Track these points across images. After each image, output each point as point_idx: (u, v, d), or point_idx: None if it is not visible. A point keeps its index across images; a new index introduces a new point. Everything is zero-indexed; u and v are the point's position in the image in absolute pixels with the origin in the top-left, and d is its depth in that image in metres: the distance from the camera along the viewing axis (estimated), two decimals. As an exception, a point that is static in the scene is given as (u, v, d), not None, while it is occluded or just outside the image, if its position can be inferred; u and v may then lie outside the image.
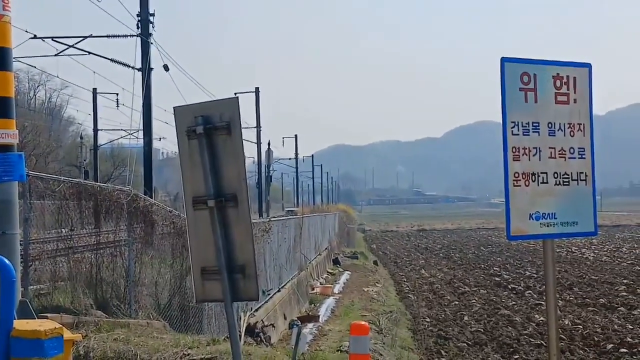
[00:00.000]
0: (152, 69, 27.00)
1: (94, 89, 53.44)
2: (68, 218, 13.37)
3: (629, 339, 18.85)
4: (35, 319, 7.00)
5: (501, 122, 6.41)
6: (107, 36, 29.34)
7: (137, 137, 39.80)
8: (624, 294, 27.75)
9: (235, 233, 6.15)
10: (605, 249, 52.93)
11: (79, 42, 29.88)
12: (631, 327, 20.60)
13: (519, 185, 6.40)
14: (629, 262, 41.88)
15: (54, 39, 29.65)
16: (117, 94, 52.41)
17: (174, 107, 6.47)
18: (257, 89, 56.42)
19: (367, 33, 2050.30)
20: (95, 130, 55.68)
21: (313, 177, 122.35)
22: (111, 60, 28.98)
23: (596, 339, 19.20)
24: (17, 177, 7.63)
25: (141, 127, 27.77)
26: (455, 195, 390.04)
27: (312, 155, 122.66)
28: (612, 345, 18.35)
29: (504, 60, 6.36)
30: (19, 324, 5.40)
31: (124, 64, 28.14)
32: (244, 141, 6.37)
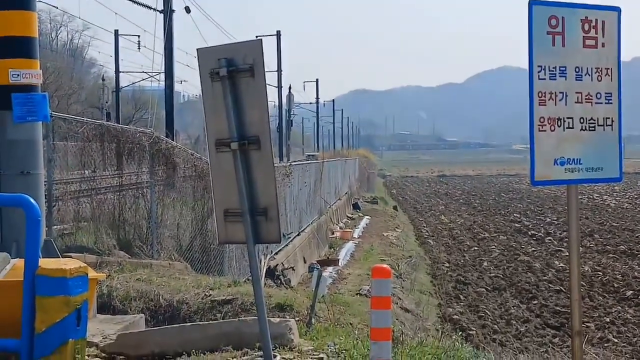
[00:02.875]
0: (173, 10, 26.86)
1: (116, 31, 53.17)
2: (91, 159, 13.43)
3: (649, 286, 18.88)
4: (59, 258, 7.09)
5: (527, 66, 6.33)
6: (129, -23, 29.11)
7: (158, 80, 39.75)
8: (645, 241, 27.70)
9: (258, 176, 6.14)
10: (627, 196, 52.68)
11: (100, -17, 29.70)
12: (651, 275, 20.60)
13: (545, 130, 6.34)
14: (650, 209, 41.71)
15: (75, -21, 29.48)
16: (139, 36, 52.22)
17: (197, 49, 6.42)
18: (278, 32, 56.00)
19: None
20: (117, 72, 55.56)
21: (334, 122, 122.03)
22: (133, 1, 28.80)
23: (616, 285, 19.24)
24: (42, 117, 7.64)
25: (162, 70, 27.71)
26: (477, 142, 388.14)
27: (333, 100, 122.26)
28: (631, 292, 18.39)
29: (532, 3, 6.24)
30: (44, 263, 5.46)
31: (146, 6, 28.01)
32: (266, 85, 6.33)
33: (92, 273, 6.30)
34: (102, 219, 13.41)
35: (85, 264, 5.81)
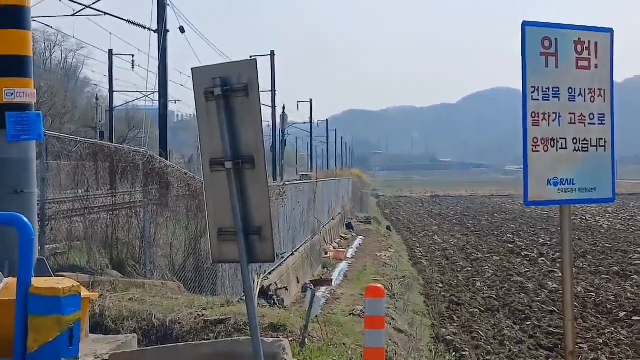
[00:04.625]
0: (168, 30, 26.91)
1: (110, 50, 53.26)
2: (84, 178, 13.42)
3: (642, 307, 18.88)
4: (52, 277, 7.06)
5: (520, 87, 6.37)
6: (123, -3, 29.19)
7: (152, 99, 39.89)
8: (638, 262, 27.72)
9: (252, 195, 6.15)
10: (620, 218, 52.80)
11: (95, 2, 29.72)
12: (644, 296, 20.61)
13: (538, 151, 6.37)
14: (643, 230, 41.79)
15: (71, -1, 29.50)
16: (133, 56, 52.28)
17: (191, 69, 6.45)
18: (272, 52, 56.12)
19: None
20: (111, 91, 55.63)
21: (327, 142, 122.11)
22: (127, 21, 28.87)
23: (609, 306, 19.22)
24: (35, 136, 7.65)
25: (156, 89, 27.74)
26: (470, 162, 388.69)
27: (327, 119, 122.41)
28: (624, 312, 18.38)
29: (525, 24, 6.30)
30: (37, 282, 5.44)
31: (140, 26, 28.05)
32: (261, 104, 6.36)
33: (84, 292, 6.28)
34: (95, 238, 13.37)
35: (78, 283, 5.79)
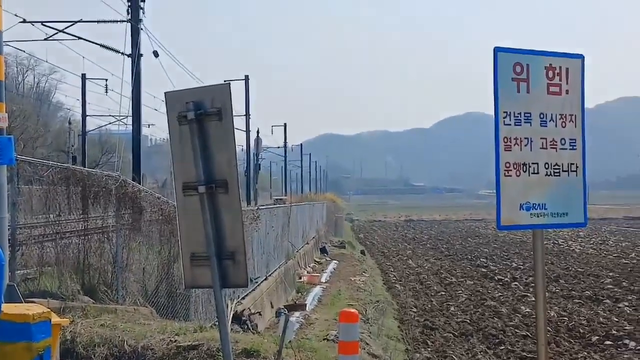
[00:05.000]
0: (141, 55, 26.86)
1: (83, 75, 53.09)
2: (56, 203, 13.30)
3: (614, 332, 18.96)
4: (22, 303, 6.98)
5: (492, 112, 6.41)
6: (97, 21, 29.14)
7: (125, 124, 39.68)
8: (610, 286, 27.89)
9: (225, 219, 6.14)
10: (592, 242, 53.16)
11: (68, 26, 29.67)
12: (616, 320, 20.69)
13: (510, 175, 6.41)
14: (614, 255, 42.09)
15: (44, 23, 29.45)
16: (106, 80, 52.19)
17: (165, 93, 6.44)
18: (246, 76, 56.24)
19: (355, 24, 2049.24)
20: (84, 115, 55.36)
21: (301, 166, 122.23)
22: (100, 45, 28.79)
23: (582, 330, 19.29)
24: (7, 160, 7.60)
25: (130, 114, 27.62)
26: (444, 186, 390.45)
27: (301, 144, 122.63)
28: (597, 337, 18.45)
29: (497, 50, 6.35)
30: (7, 308, 5.38)
31: (114, 50, 27.98)
32: (234, 128, 6.35)
33: (55, 318, 6.20)
34: (67, 263, 13.23)
35: (49, 310, 5.73)
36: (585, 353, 16.96)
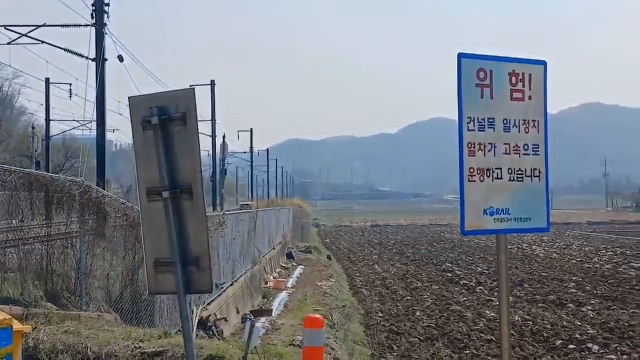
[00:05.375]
0: (106, 59, 26.72)
1: (47, 79, 52.62)
2: (18, 209, 13.15)
3: (577, 335, 19.14)
4: (-17, 310, 6.88)
5: (457, 118, 6.44)
6: (61, 25, 28.92)
7: (90, 128, 39.42)
8: (573, 290, 28.17)
9: (189, 225, 6.11)
10: (555, 246, 53.67)
11: (32, 30, 29.44)
12: (579, 324, 20.90)
13: (474, 181, 6.44)
14: (578, 259, 42.51)
15: (7, 27, 29.20)
16: (70, 85, 51.92)
17: (128, 97, 6.40)
18: (212, 81, 56.14)
19: (321, 30, 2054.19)
20: (48, 120, 54.91)
21: (268, 171, 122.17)
22: (65, 50, 28.60)
23: (545, 334, 19.45)
24: (-33, 165, 7.49)
25: (94, 118, 27.45)
26: (409, 192, 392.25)
27: (267, 149, 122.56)
28: (560, 341, 18.61)
29: (460, 55, 6.39)
30: (-33, 315, 5.31)
31: (78, 54, 27.82)
32: (199, 135, 6.33)
33: (17, 325, 6.13)
34: (29, 269, 13.09)
35: (11, 316, 5.66)
36: (549, 357, 17.11)
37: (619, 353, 17.18)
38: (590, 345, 18.07)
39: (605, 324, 20.83)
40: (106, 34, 26.71)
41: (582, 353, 17.41)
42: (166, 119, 6.05)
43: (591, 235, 70.53)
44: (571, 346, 18.04)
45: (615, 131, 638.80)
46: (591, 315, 22.32)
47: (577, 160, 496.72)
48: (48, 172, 30.30)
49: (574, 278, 32.31)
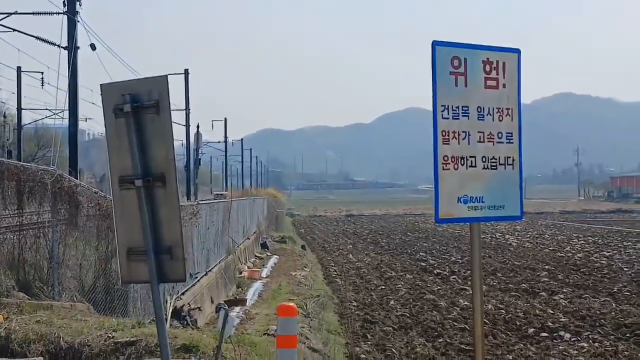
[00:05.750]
0: (78, 47, 26.43)
1: (18, 67, 52.03)
2: (-11, 198, 13.04)
3: (550, 324, 19.29)
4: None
5: (431, 106, 6.44)
6: (33, 13, 28.60)
7: (62, 117, 38.98)
8: (546, 279, 28.40)
9: (162, 213, 6.06)
10: (528, 236, 54.07)
11: (3, 18, 29.06)
12: (552, 312, 21.07)
13: (448, 169, 6.45)
14: (550, 248, 42.88)
15: (-24, 14, 28.78)
16: (42, 73, 51.27)
17: (100, 85, 6.33)
18: (186, 70, 55.77)
19: (298, 20, 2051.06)
20: (19, 109, 54.34)
21: (242, 161, 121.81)
22: (36, 38, 28.25)
23: (518, 323, 19.58)
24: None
25: (66, 107, 27.18)
26: (384, 181, 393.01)
27: (242, 138, 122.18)
28: (533, 329, 18.75)
29: (435, 44, 6.38)
30: (-64, 305, 5.24)
31: (50, 42, 27.48)
32: (172, 123, 6.27)
33: (-13, 315, 6.07)
34: (1, 259, 13.00)
35: (-20, 306, 5.60)
36: (522, 345, 17.23)
37: (590, 341, 17.35)
38: (562, 333, 18.24)
39: (577, 312, 21.03)
40: (78, 22, 26.43)
41: (555, 341, 17.56)
42: (139, 107, 5.99)
43: (563, 225, 71.18)
44: (543, 334, 18.19)
45: (588, 121, 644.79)
46: (563, 304, 22.52)
47: (549, 150, 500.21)
48: (20, 161, 30.04)
49: (546, 267, 32.58)
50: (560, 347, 16.84)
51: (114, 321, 11.57)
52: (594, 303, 22.49)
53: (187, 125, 57.47)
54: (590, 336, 17.81)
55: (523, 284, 27.05)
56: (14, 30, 29.23)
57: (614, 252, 39.80)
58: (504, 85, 6.72)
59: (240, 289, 27.28)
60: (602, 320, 19.69)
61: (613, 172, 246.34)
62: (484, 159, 6.62)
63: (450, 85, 6.44)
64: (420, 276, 30.92)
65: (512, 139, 6.81)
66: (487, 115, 6.64)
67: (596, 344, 16.95)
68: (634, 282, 27.23)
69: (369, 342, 18.02)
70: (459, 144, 6.49)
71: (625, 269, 31.22)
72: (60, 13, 26.28)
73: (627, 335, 18.02)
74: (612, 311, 20.96)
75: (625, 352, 16.07)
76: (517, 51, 6.86)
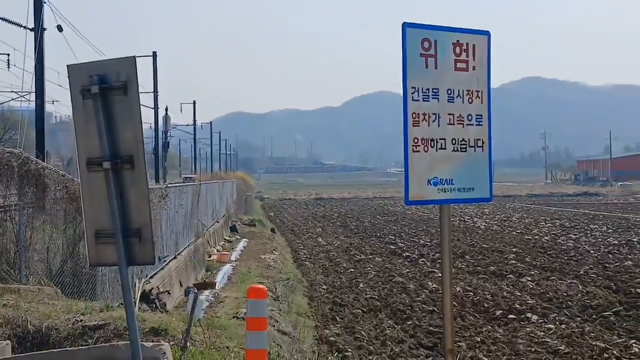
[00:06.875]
0: (45, 29, 26.12)
1: (-17, 49, 51.40)
2: (-46, 181, 12.87)
3: (517, 306, 19.46)
4: None
5: (401, 88, 6.44)
6: (-2, -7, 28.22)
7: (28, 100, 38.56)
8: (513, 262, 28.63)
9: (131, 196, 6.01)
10: (496, 219, 54.47)
11: (-33, -2, 28.62)
12: (519, 294, 21.25)
13: (418, 151, 6.46)
14: (518, 231, 43.23)
15: (-60, -6, 28.32)
16: (8, 55, 50.53)
17: (67, 66, 6.25)
18: (154, 53, 55.34)
19: (264, 2, 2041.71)
20: (-15, 91, 53.69)
21: (211, 144, 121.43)
22: (2, 19, 27.86)
23: (486, 305, 19.73)
24: None
25: (33, 90, 26.87)
26: (353, 165, 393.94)
27: (211, 122, 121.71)
28: (500, 311, 18.90)
29: (405, 25, 6.37)
30: None
31: (16, 24, 27.10)
32: (141, 105, 6.22)
33: (-48, 298, 6.00)
34: (-34, 243, 12.85)
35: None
36: (490, 327, 17.37)
37: (557, 322, 17.52)
38: (529, 315, 18.39)
39: (544, 294, 21.24)
40: (45, 2, 26.13)
41: (522, 323, 17.72)
42: (107, 88, 5.92)
43: (531, 208, 71.82)
44: (511, 316, 18.34)
45: (555, 105, 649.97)
46: (530, 286, 22.72)
47: (517, 133, 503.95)
48: (-15, 144, 29.64)
49: (514, 250, 32.84)
50: (528, 329, 16.99)
51: (82, 305, 11.49)
52: (560, 285, 22.71)
53: (156, 108, 57.09)
54: (557, 318, 17.99)
55: (491, 267, 27.25)
56: (-21, 10, 28.81)
57: (581, 234, 40.24)
58: (473, 68, 6.74)
59: (209, 273, 27.21)
60: (569, 302, 19.90)
61: (579, 156, 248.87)
62: (453, 141, 6.65)
63: (420, 67, 6.44)
64: (389, 259, 31.04)
65: (481, 121, 6.84)
66: (457, 97, 6.66)
67: (563, 326, 17.13)
68: (599, 264, 27.54)
69: (338, 325, 18.08)
70: (429, 126, 6.50)
71: (592, 252, 31.56)
72: (27, -7, 25.94)
73: (593, 317, 18.25)
74: (579, 293, 21.19)
75: (592, 334, 16.26)
76: (487, 33, 6.88)
